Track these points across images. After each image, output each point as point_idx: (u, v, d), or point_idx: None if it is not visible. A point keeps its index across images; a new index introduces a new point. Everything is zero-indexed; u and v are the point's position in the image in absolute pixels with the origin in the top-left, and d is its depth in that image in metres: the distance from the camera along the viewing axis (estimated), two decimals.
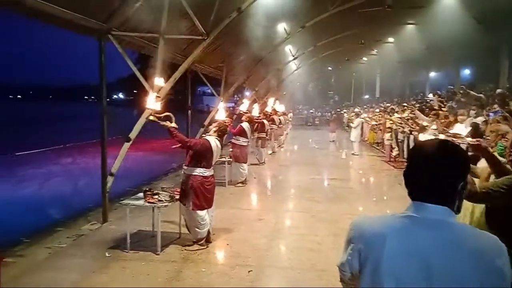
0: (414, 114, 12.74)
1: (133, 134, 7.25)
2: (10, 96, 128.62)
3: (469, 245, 1.29)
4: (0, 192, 10.41)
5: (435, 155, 1.38)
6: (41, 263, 5.39)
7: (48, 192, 10.45)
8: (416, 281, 1.26)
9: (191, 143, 5.76)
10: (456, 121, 9.89)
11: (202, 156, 5.76)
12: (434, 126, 10.67)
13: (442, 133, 8.81)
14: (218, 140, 6.02)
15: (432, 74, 28.85)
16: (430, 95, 17.78)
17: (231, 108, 23.32)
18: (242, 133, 10.57)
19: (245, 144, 10.62)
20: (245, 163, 10.49)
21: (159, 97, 5.97)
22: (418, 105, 16.80)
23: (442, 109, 11.71)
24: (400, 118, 14.49)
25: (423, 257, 1.27)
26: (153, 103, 5.77)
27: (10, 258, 5.33)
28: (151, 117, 5.70)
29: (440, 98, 15.89)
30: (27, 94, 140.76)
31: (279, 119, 18.17)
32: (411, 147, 12.85)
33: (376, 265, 1.31)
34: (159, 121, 5.63)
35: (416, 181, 1.40)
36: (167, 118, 5.69)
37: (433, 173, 1.36)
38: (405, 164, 1.50)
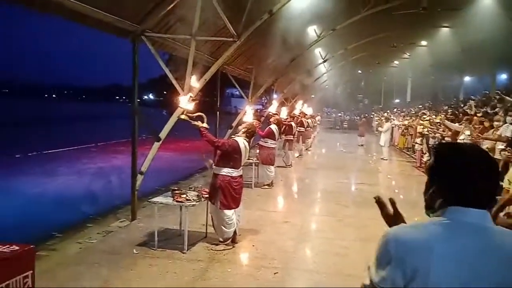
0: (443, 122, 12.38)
1: (163, 134, 7.36)
2: (45, 95, 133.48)
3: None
4: (34, 188, 10.80)
5: (475, 159, 1.35)
6: (72, 257, 5.54)
7: (79, 189, 10.75)
8: None
9: (219, 143, 5.81)
10: (491, 127, 9.59)
11: (230, 156, 5.80)
12: (467, 132, 10.37)
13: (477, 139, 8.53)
14: (247, 141, 6.04)
15: (467, 78, 28.07)
16: (471, 102, 17.18)
17: (259, 110, 23.37)
18: (270, 135, 10.57)
19: (272, 146, 10.61)
20: (272, 165, 10.48)
21: (192, 97, 6.08)
22: (450, 110, 16.37)
23: (477, 114, 11.34)
24: (431, 123, 14.16)
25: (471, 264, 1.24)
26: (186, 103, 5.91)
27: (43, 251, 5.51)
28: (183, 116, 5.81)
29: (474, 103, 15.42)
30: (61, 93, 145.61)
31: (307, 121, 18.07)
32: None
33: (425, 278, 1.24)
34: (190, 120, 5.73)
35: (454, 185, 1.35)
36: (199, 118, 5.79)
37: (473, 178, 1.33)
38: (435, 168, 1.43)
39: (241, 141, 5.94)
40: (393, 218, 1.60)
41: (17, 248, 3.44)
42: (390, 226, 1.56)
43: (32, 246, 3.59)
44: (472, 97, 20.49)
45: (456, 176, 1.35)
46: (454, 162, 1.37)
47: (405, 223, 1.53)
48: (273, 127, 10.73)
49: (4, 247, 3.41)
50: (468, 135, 10.43)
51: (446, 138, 12.04)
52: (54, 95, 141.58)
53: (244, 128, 6.24)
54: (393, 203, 1.61)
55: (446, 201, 1.36)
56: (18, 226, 6.28)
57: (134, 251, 5.73)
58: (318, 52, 17.28)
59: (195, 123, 5.72)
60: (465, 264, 1.24)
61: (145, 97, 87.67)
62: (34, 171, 12.95)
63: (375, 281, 1.35)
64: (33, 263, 3.57)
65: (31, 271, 3.49)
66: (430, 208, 1.42)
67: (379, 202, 1.67)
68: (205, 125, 5.74)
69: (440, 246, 1.26)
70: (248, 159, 9.60)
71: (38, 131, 26.40)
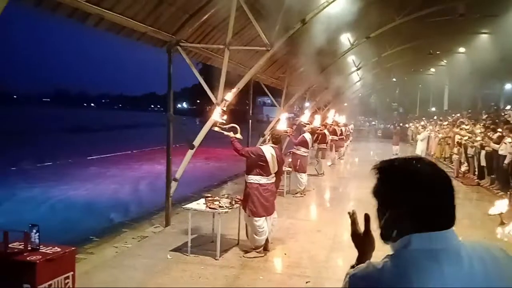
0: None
1: (197, 142, 7.49)
2: (84, 104, 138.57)
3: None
4: (73, 193, 11.22)
5: (429, 174, 1.18)
6: (109, 260, 5.71)
7: (116, 195, 11.08)
8: None
9: (243, 151, 5.95)
10: None
11: (256, 164, 5.89)
12: (509, 139, 10.01)
13: None
14: (273, 148, 6.07)
15: (508, 86, 27.04)
16: (508, 107, 16.59)
17: (291, 119, 23.34)
18: (304, 143, 10.55)
19: (305, 154, 10.57)
20: (304, 172, 10.43)
21: (224, 110, 6.27)
22: (490, 119, 15.81)
23: None
24: (469, 132, 13.71)
25: None
26: (218, 116, 6.15)
27: (81, 254, 5.71)
28: (216, 128, 6.01)
29: None
30: (99, 102, 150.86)
31: (340, 130, 17.89)
32: (481, 162, 12.19)
33: None
34: (223, 131, 5.98)
35: (411, 209, 1.15)
36: (232, 129, 6.00)
37: (441, 197, 1.17)
38: (384, 191, 1.23)
39: (267, 149, 5.99)
40: (362, 238, 1.43)
41: (59, 250, 3.60)
42: (356, 247, 1.44)
43: (73, 248, 3.75)
44: None
45: (413, 198, 1.15)
46: (406, 181, 1.18)
47: (373, 246, 1.39)
48: (307, 135, 10.71)
49: (47, 248, 3.57)
50: (510, 142, 10.07)
51: (485, 148, 11.63)
52: (92, 104, 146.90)
53: (268, 135, 6.35)
54: (367, 220, 1.38)
55: (405, 229, 1.16)
56: (58, 229, 6.54)
57: (168, 256, 5.84)
58: (352, 60, 17.14)
59: (228, 133, 5.93)
60: None
61: (179, 105, 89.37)
62: (71, 177, 13.45)
63: None
64: (73, 265, 3.72)
65: (72, 272, 3.64)
66: (387, 239, 1.22)
67: (352, 217, 1.47)
68: (238, 135, 5.95)
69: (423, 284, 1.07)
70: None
71: (77, 139, 27.42)
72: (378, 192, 1.24)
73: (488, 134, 12.03)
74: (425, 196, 1.15)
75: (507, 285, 1.14)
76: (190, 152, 7.51)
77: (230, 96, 7.07)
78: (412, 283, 1.07)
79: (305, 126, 11.16)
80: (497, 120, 14.17)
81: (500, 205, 3.51)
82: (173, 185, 7.44)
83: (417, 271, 1.09)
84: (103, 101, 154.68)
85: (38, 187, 11.58)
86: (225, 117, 6.20)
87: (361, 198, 10.49)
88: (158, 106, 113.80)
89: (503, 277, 1.15)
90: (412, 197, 1.15)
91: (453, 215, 1.18)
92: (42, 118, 46.69)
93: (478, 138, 12.12)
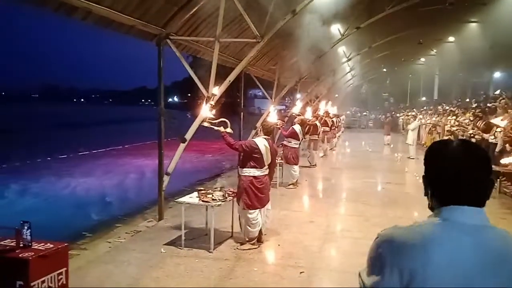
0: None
1: (188, 136, 7.47)
2: (74, 100, 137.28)
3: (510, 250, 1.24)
4: (63, 188, 11.15)
5: (466, 154, 1.32)
6: (102, 256, 5.69)
7: (108, 190, 11.02)
8: None
9: (236, 145, 5.94)
10: None
11: (249, 156, 5.90)
12: (502, 123, 10.10)
13: None
14: (266, 140, 6.08)
15: (497, 74, 27.26)
16: (497, 91, 16.72)
17: (282, 111, 23.35)
18: (294, 135, 10.55)
19: (296, 146, 10.59)
20: (296, 164, 10.46)
21: (212, 105, 6.26)
22: (479, 108, 15.92)
23: (509, 111, 11.00)
24: (458, 123, 13.82)
25: (465, 266, 1.20)
26: (207, 111, 6.14)
27: (74, 250, 5.68)
28: (206, 124, 5.97)
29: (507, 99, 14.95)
30: (89, 97, 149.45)
31: (332, 121, 17.94)
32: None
33: (423, 280, 1.20)
34: (213, 126, 5.94)
35: (444, 183, 1.32)
36: (223, 124, 5.96)
37: (465, 173, 1.29)
38: (425, 167, 1.39)
39: (260, 141, 5.99)
40: None
41: (51, 246, 3.57)
42: None
43: (66, 244, 3.72)
44: (504, 93, 19.88)
45: (445, 174, 1.32)
46: (442, 159, 1.34)
47: None
48: (296, 127, 10.71)
49: (40, 245, 3.55)
50: (500, 131, 10.15)
51: (476, 136, 11.73)
52: (82, 99, 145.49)
53: (260, 127, 6.36)
54: None
55: (440, 201, 1.33)
56: (50, 225, 6.49)
57: (162, 250, 5.84)
58: (342, 50, 17.14)
59: (218, 128, 5.90)
60: (460, 266, 1.20)
61: (170, 99, 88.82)
62: (61, 173, 13.35)
63: (367, 286, 1.29)
64: (67, 261, 3.70)
65: (65, 268, 3.62)
66: (431, 209, 1.38)
67: None
68: (228, 130, 5.92)
69: (436, 251, 1.21)
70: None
71: (68, 134, 27.19)
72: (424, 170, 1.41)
73: (477, 124, 12.13)
74: (451, 172, 1.30)
75: None
76: (182, 146, 7.49)
77: (217, 90, 7.04)
78: (425, 249, 1.21)
79: (295, 118, 11.16)
80: (486, 109, 14.27)
81: None
82: (166, 179, 7.41)
83: (433, 238, 1.23)
84: (93, 96, 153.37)
85: (28, 184, 11.47)
86: (213, 111, 6.17)
87: (354, 188, 10.60)
88: (149, 100, 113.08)
89: None
90: (442, 173, 1.33)
91: (482, 195, 1.30)
92: (30, 115, 46.18)
93: (469, 128, 12.21)
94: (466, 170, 1.29)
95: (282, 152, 10.73)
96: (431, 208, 1.38)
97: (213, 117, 6.06)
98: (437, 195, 1.34)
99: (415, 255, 1.21)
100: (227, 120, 6.00)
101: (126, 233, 6.69)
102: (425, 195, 1.40)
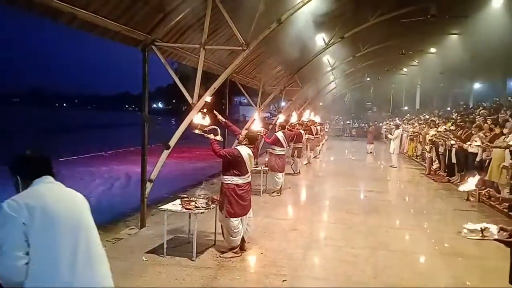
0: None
1: (172, 142, 7.42)
2: (56, 104, 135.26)
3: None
4: None
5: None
6: None
7: (89, 197, 10.80)
8: None
9: (221, 152, 5.92)
10: (502, 133, 9.51)
11: (232, 164, 5.90)
12: (477, 141, 10.30)
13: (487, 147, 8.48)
14: (250, 148, 6.11)
15: (477, 85, 27.89)
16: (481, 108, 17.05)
17: (267, 118, 23.42)
18: (277, 142, 10.56)
19: (281, 153, 10.60)
20: (281, 172, 10.47)
21: (204, 113, 6.29)
22: (459, 118, 16.26)
23: (487, 122, 11.26)
24: (438, 132, 14.06)
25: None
26: (200, 119, 6.18)
27: None
28: (197, 131, 6.03)
29: (485, 111, 15.31)
30: (72, 102, 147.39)
31: (316, 129, 18.06)
32: (452, 159, 12.56)
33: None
34: (204, 133, 5.99)
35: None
36: (213, 131, 6.02)
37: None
38: None
39: (243, 149, 6.01)
40: None
41: None
42: None
43: None
44: (483, 104, 20.33)
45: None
46: None
47: None
48: (279, 134, 10.73)
49: None
50: (478, 145, 10.35)
51: (455, 145, 11.96)
52: (64, 104, 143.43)
53: (243, 136, 6.36)
54: None
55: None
56: None
57: (144, 258, 5.77)
58: (327, 59, 17.33)
59: (208, 135, 5.94)
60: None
61: (154, 105, 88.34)
62: None
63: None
64: None
65: None
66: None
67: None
68: (218, 137, 5.96)
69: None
70: (256, 166, 9.67)
71: (49, 139, 26.71)
72: None
73: (458, 134, 12.38)
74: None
75: None
76: (166, 153, 7.44)
77: (209, 98, 7.09)
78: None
79: (278, 125, 11.22)
80: (466, 119, 14.58)
81: (470, 183, 3.78)
82: (148, 186, 7.33)
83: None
84: (75, 101, 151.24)
85: (5, 191, 11.18)
86: (207, 118, 6.20)
87: (337, 196, 10.66)
88: (133, 106, 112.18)
89: None
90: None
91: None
92: (11, 118, 45.28)
93: (451, 138, 12.42)
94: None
95: (267, 160, 10.76)
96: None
97: (206, 124, 6.10)
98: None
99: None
100: (217, 128, 6.09)
101: (107, 240, 6.57)
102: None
